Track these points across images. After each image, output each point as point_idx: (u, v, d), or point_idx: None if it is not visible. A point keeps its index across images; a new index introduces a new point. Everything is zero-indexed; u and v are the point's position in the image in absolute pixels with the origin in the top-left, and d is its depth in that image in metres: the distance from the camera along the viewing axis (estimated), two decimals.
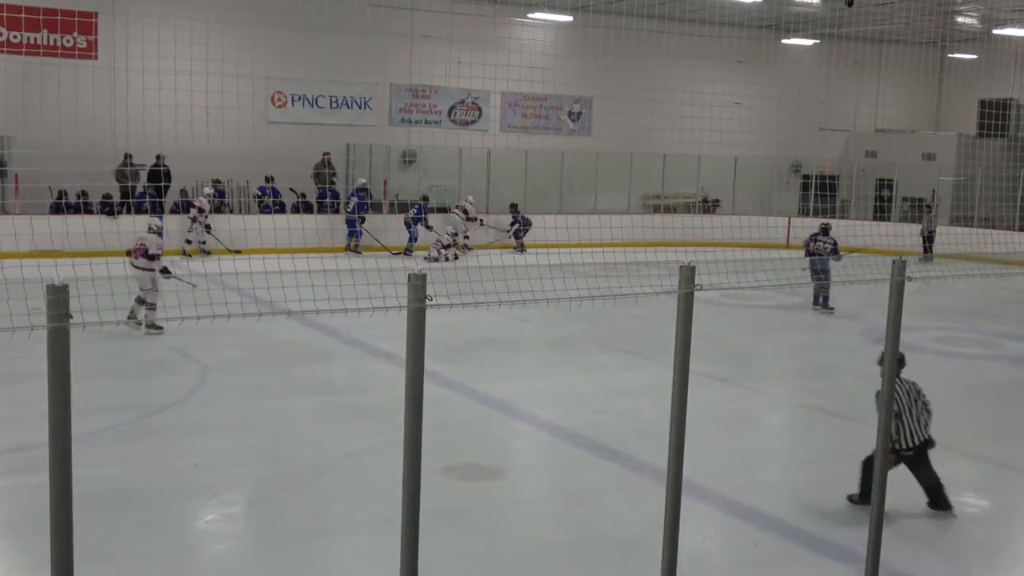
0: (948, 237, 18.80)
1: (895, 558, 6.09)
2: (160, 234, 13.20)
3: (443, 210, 22.23)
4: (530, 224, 22.08)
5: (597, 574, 6.13)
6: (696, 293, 4.47)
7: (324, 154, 21.98)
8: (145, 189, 19.91)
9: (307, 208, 21.42)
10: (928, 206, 23.87)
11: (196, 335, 11.84)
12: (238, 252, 17.43)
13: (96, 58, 20.49)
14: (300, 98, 23.22)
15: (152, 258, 12.54)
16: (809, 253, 15.82)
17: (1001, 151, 26.54)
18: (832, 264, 15.44)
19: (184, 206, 20.13)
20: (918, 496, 7.17)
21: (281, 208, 21.56)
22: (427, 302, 3.76)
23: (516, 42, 23.68)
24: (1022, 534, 7.54)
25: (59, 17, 18.74)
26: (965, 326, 14.98)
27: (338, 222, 20.91)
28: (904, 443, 6.92)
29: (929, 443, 7.03)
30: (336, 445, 8.37)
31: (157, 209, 18.96)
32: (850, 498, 7.21)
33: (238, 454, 8.14)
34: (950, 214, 25.43)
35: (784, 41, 27.34)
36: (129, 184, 19.77)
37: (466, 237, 21.58)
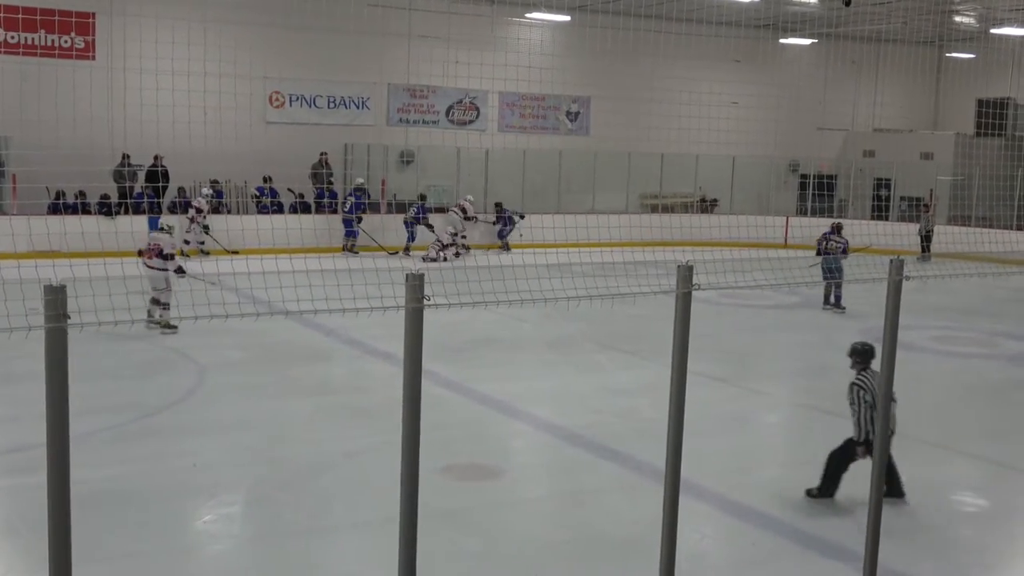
0: (946, 236, 18.80)
1: (893, 557, 6.09)
2: (172, 234, 13.22)
3: (441, 210, 22.22)
4: (514, 224, 22.09)
5: (596, 574, 6.13)
6: (694, 293, 4.47)
7: (322, 154, 21.98)
8: (143, 190, 19.90)
9: (305, 208, 21.41)
10: (926, 205, 23.89)
11: (194, 335, 11.85)
12: (235, 253, 17.41)
13: (94, 58, 20.48)
14: (298, 98, 23.20)
15: (167, 258, 12.56)
16: (821, 252, 15.85)
17: (999, 150, 26.53)
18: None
19: (182, 206, 20.12)
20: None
21: (279, 208, 21.53)
22: (425, 302, 3.76)
23: (514, 42, 23.69)
24: (1020, 533, 7.55)
25: (56, 17, 18.69)
26: (963, 325, 15.00)
27: (336, 222, 20.90)
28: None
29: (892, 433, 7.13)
30: (334, 445, 8.36)
31: (155, 210, 18.94)
32: (808, 492, 7.26)
33: (236, 454, 8.14)
34: (948, 213, 25.46)
35: (782, 41, 27.33)
36: (127, 185, 19.74)
37: (463, 236, 21.59)
